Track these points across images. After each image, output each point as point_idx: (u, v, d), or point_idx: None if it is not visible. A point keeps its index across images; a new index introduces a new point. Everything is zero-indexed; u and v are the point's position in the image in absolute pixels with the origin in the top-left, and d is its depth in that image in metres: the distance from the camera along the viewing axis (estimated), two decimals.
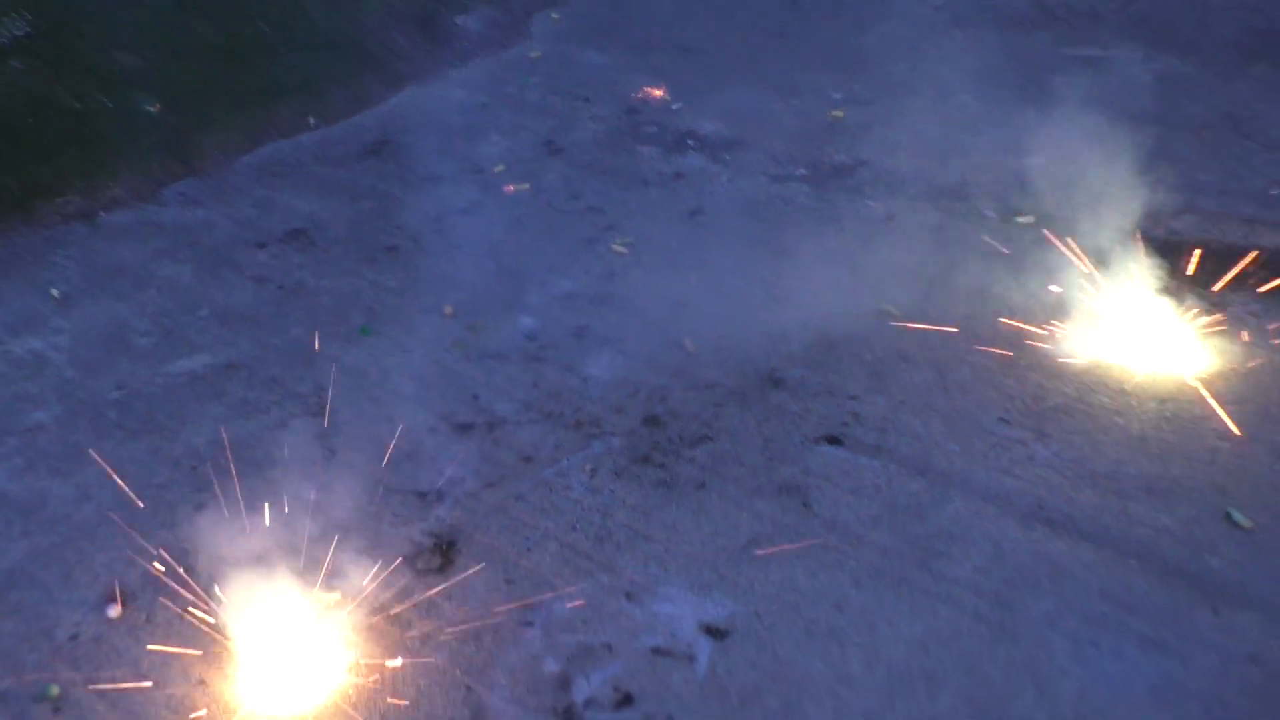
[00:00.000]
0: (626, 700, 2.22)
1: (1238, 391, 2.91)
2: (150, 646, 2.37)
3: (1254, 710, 2.11)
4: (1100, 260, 3.43)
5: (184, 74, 5.13)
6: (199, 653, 2.35)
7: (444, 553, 2.61)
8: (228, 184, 4.42)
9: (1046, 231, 3.60)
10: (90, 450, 2.95)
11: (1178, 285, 3.32)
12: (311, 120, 4.90)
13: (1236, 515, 2.54)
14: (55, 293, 3.71)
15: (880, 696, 2.19)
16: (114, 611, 2.48)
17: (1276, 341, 3.08)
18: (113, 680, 2.29)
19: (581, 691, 2.24)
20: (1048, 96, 4.47)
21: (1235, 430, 2.77)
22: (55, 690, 2.26)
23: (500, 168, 4.38)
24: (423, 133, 4.74)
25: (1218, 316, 3.20)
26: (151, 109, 4.83)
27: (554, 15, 5.96)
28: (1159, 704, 2.13)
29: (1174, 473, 2.67)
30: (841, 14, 5.57)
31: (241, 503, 2.74)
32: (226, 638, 2.38)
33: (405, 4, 5.84)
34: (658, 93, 4.72)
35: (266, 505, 2.74)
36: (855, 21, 5.47)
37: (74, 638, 2.42)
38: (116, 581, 2.55)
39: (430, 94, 5.16)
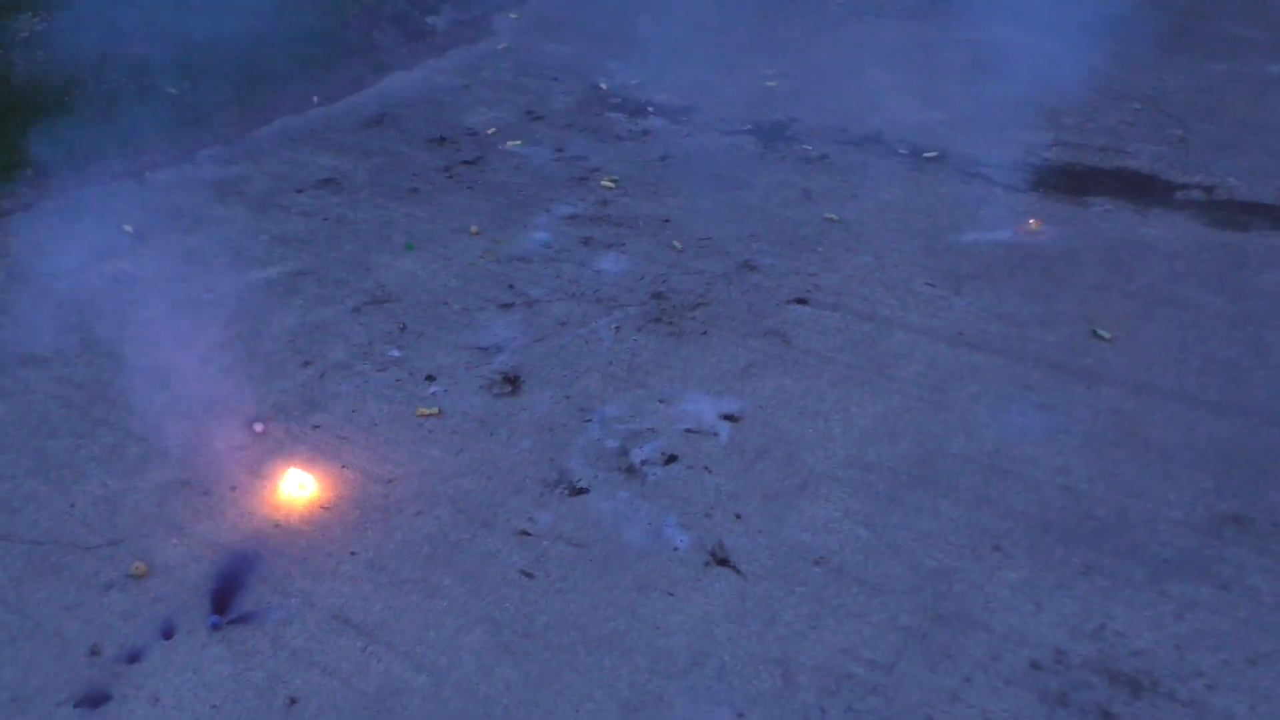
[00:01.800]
0: (672, 459, 3.00)
1: (1099, 258, 3.85)
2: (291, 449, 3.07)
3: (1114, 438, 2.99)
4: (993, 179, 4.37)
5: (193, 63, 5.77)
6: (344, 440, 3.06)
7: (511, 383, 3.35)
8: (253, 148, 5.08)
9: (949, 161, 4.54)
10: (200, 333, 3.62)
11: (1052, 192, 4.26)
12: (315, 99, 5.59)
13: (1101, 332, 3.45)
14: (128, 228, 4.33)
15: (856, 446, 3.02)
16: (259, 428, 3.16)
17: (1120, 225, 4.03)
18: (259, 475, 2.99)
19: (637, 456, 3.02)
20: (942, 68, 5.46)
21: (1100, 282, 3.70)
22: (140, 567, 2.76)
23: (493, 130, 5.14)
24: (416, 107, 5.48)
25: (1083, 212, 4.15)
26: (172, 91, 5.46)
27: (512, 15, 6.76)
28: (1051, 439, 3.01)
29: (1056, 309, 3.58)
30: (763, 11, 6.48)
31: (335, 364, 3.44)
32: (347, 438, 3.10)
33: (380, 5, 6.57)
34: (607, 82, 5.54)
35: (356, 363, 3.46)
36: (775, 17, 6.39)
37: (231, 446, 3.09)
38: (256, 410, 3.23)
39: (415, 78, 5.90)
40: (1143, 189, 4.30)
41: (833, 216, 4.22)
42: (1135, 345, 3.38)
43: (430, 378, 3.38)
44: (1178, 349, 3.35)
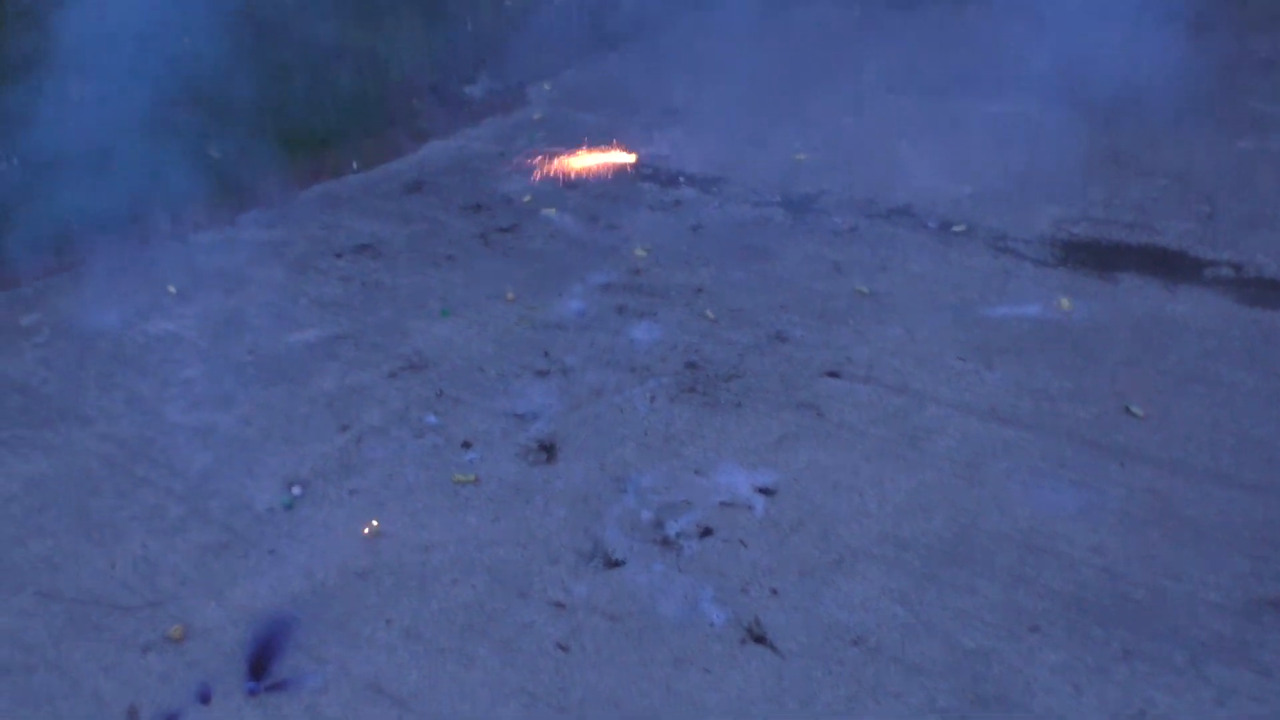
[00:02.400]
0: (708, 532, 3.01)
1: (1129, 334, 3.86)
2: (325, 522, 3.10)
3: (1149, 517, 2.99)
4: (1022, 253, 4.42)
5: (235, 128, 5.91)
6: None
7: (547, 451, 3.38)
8: (293, 212, 5.19)
9: (978, 235, 4.59)
10: (240, 392, 3.68)
11: (1081, 268, 4.30)
12: (354, 165, 5.71)
13: (1134, 408, 3.46)
14: (172, 289, 4.42)
15: (891, 521, 3.03)
16: (298, 490, 3.20)
17: (1150, 301, 4.06)
18: (296, 539, 3.02)
19: (673, 529, 3.03)
20: (969, 142, 5.54)
21: (1130, 358, 3.72)
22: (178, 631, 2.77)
23: (528, 198, 5.23)
24: (453, 174, 5.59)
25: (1112, 288, 4.18)
26: (216, 155, 5.59)
27: (546, 85, 6.90)
28: (1086, 517, 3.01)
29: (1086, 385, 3.59)
30: (792, 85, 6.58)
31: (372, 429, 3.49)
32: (382, 487, 3.13)
33: (419, 75, 6.73)
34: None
35: (392, 428, 3.50)
36: (804, 91, 6.49)
37: (270, 509, 3.13)
38: (294, 473, 3.27)
39: (452, 146, 6.02)
40: (1171, 265, 4.33)
41: (863, 289, 4.26)
42: (1168, 423, 3.39)
43: (467, 444, 3.42)
44: (1211, 427, 3.36)
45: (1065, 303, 4.04)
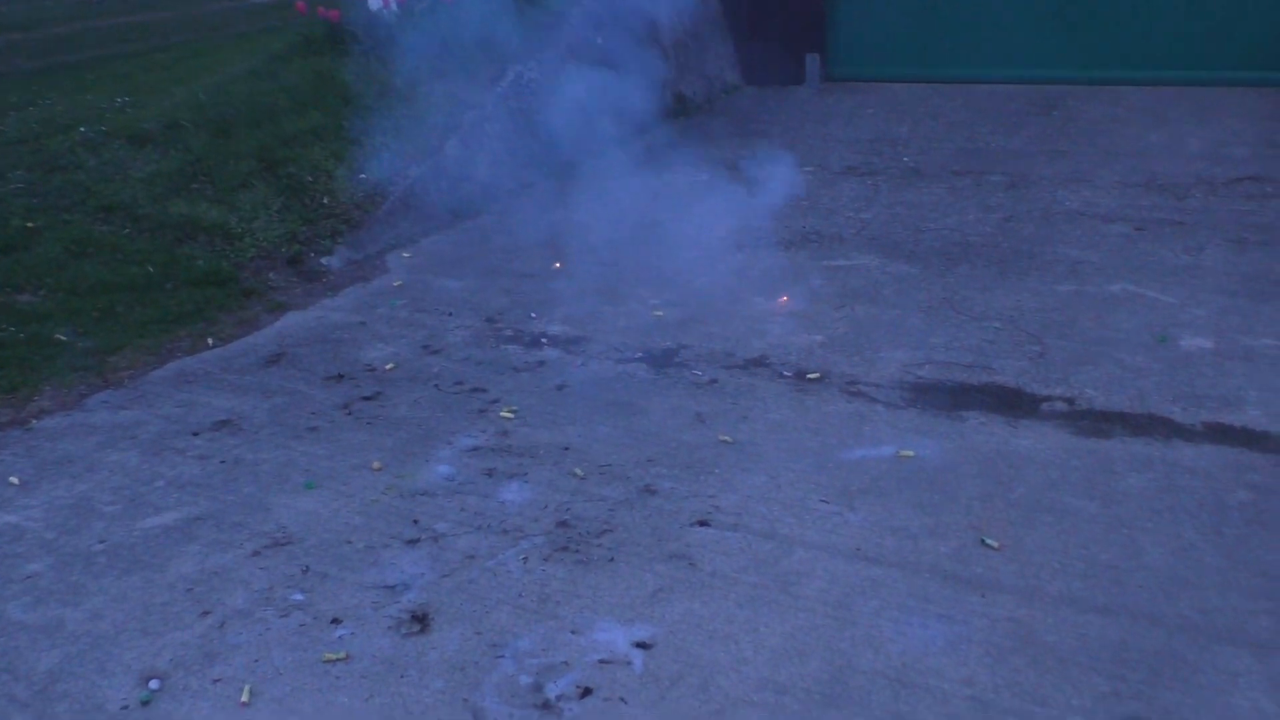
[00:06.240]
0: (588, 692, 2.98)
1: (978, 470, 4.07)
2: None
3: (1013, 646, 3.10)
4: (874, 397, 4.64)
5: (85, 309, 5.79)
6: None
7: (420, 621, 3.31)
8: (146, 392, 5.06)
9: (831, 381, 4.81)
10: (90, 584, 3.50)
11: (929, 408, 4.53)
12: (210, 340, 5.63)
13: (989, 541, 3.62)
14: (14, 480, 4.22)
15: (769, 667, 3.05)
16: (155, 684, 3.03)
17: (995, 438, 4.29)
18: None
19: (552, 691, 2.99)
20: (817, 295, 5.84)
21: (982, 492, 3.91)
22: None
23: (390, 366, 5.24)
24: (313, 345, 5.56)
25: (959, 426, 4.40)
26: (62, 338, 5.44)
27: (405, 254, 7.00)
28: (954, 650, 3.10)
29: (945, 520, 3.75)
30: (647, 245, 6.83)
31: (235, 612, 3.36)
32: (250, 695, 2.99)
33: (275, 248, 6.74)
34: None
35: (257, 610, 3.38)
36: (659, 250, 6.74)
37: (125, 707, 2.95)
38: (152, 666, 3.11)
39: (310, 317, 6.01)
40: (1011, 402, 4.61)
41: (726, 438, 4.38)
42: (1021, 552, 3.55)
43: (336, 620, 3.32)
44: (1061, 554, 3.53)
45: (907, 453, 4.21)
